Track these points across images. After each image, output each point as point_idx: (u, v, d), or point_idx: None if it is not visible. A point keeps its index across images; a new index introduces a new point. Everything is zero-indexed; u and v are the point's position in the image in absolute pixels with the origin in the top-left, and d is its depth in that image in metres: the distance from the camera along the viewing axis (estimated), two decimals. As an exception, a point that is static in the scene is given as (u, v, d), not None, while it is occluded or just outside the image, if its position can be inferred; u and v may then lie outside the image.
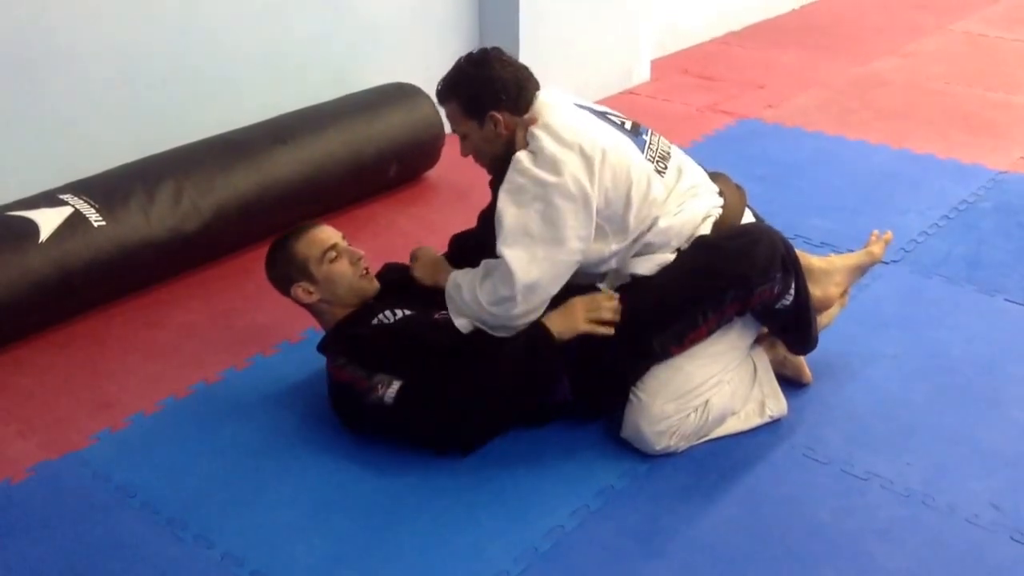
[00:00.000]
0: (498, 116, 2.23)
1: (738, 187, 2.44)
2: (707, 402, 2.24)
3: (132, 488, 2.22)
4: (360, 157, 3.48)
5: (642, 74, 4.86)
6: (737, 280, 2.16)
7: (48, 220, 2.75)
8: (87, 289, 2.84)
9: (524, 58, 4.13)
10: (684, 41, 5.44)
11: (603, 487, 2.20)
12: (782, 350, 2.47)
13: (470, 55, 2.33)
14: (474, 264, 2.29)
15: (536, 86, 2.30)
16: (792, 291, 2.24)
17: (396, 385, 2.20)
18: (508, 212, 2.16)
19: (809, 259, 2.47)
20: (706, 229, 2.27)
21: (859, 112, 4.47)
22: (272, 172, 3.23)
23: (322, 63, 3.75)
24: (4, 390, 2.58)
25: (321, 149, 3.37)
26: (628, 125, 2.30)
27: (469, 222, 3.41)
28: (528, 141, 2.18)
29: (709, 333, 2.22)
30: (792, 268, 2.22)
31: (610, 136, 2.21)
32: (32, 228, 2.72)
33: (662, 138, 2.35)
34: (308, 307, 2.42)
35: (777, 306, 2.24)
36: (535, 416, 2.33)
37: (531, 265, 2.13)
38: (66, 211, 2.79)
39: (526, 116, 2.23)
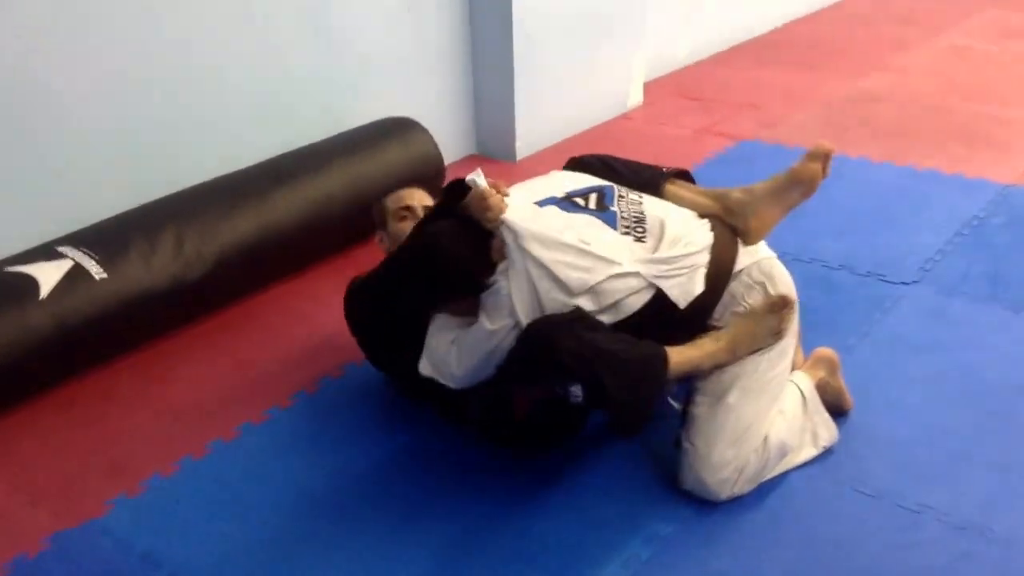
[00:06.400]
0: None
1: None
2: (766, 438, 2.17)
3: (156, 556, 2.10)
4: (361, 195, 3.37)
5: (635, 98, 4.82)
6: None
7: (48, 275, 2.64)
8: (90, 345, 2.73)
9: (519, 88, 4.12)
10: (672, 63, 5.41)
11: (650, 533, 2.12)
12: (823, 373, 2.40)
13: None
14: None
15: None
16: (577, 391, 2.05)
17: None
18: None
19: (729, 195, 2.31)
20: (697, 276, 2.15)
21: (857, 129, 4.44)
22: (273, 214, 3.13)
23: (317, 100, 3.66)
24: (9, 456, 2.46)
25: (322, 189, 3.28)
26: (593, 201, 2.22)
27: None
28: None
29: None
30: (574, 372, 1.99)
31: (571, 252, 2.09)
32: (31, 285, 2.61)
33: (631, 197, 2.26)
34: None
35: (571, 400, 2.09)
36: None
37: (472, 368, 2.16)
38: (66, 265, 2.68)
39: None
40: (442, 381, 2.20)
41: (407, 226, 2.45)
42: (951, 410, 2.49)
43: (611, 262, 2.09)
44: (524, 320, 2.06)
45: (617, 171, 2.38)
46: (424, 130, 3.69)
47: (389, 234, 2.56)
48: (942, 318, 2.91)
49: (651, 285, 2.09)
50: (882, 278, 3.11)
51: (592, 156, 2.48)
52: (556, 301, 2.07)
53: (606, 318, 2.08)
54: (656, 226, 2.18)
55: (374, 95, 3.84)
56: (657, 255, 2.12)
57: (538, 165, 4.20)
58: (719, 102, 4.90)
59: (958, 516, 2.14)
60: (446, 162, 3.80)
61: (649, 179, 2.37)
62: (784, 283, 2.24)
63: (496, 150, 4.28)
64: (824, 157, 2.21)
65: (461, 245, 2.09)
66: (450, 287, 2.14)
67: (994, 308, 2.94)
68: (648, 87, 4.98)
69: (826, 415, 2.34)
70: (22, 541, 2.16)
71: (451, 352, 2.15)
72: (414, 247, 2.20)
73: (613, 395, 1.93)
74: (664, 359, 2.04)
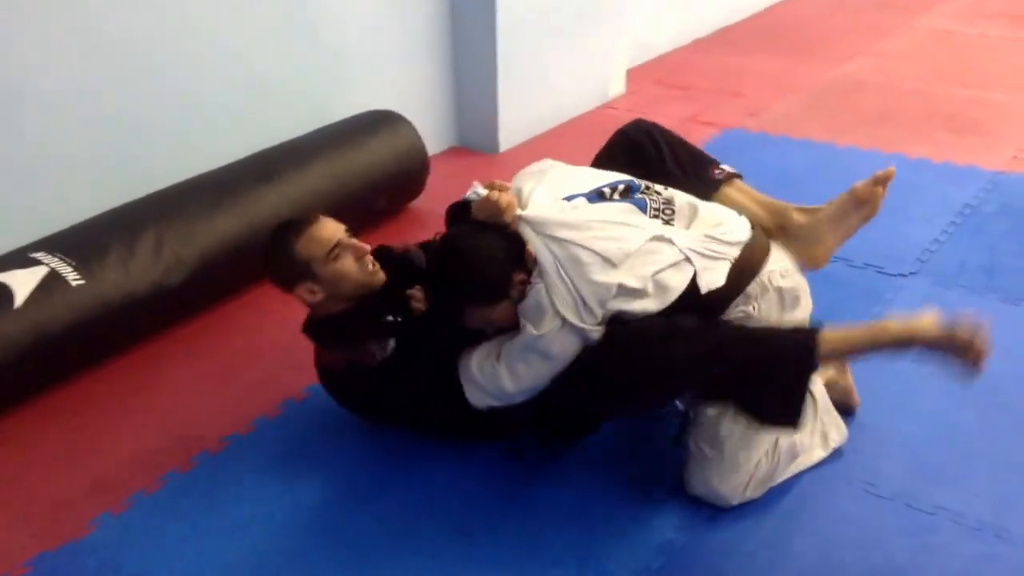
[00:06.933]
0: (524, 276, 2.02)
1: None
2: (776, 440, 2.11)
3: (145, 579, 2.01)
4: (346, 191, 3.29)
5: (617, 87, 4.74)
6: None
7: (22, 283, 2.52)
8: (69, 354, 2.62)
9: (502, 78, 4.03)
10: (652, 51, 5.33)
11: (662, 542, 2.05)
12: (832, 371, 2.35)
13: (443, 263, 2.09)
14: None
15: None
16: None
17: (391, 343, 2.16)
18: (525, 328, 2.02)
19: (791, 215, 2.30)
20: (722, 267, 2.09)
21: (842, 117, 4.40)
22: (257, 213, 3.02)
23: (298, 94, 3.55)
24: (-13, 474, 2.35)
25: (306, 186, 3.17)
26: (621, 189, 2.16)
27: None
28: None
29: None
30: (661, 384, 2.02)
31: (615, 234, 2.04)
32: (6, 293, 2.49)
33: (656, 187, 2.20)
34: (309, 305, 2.28)
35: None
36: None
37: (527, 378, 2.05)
38: (41, 271, 2.56)
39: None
40: (495, 403, 2.08)
41: (348, 263, 2.19)
42: (957, 407, 2.44)
43: (644, 228, 2.04)
44: (571, 317, 1.95)
45: (663, 159, 2.31)
46: (408, 123, 3.59)
47: (322, 280, 2.18)
48: (942, 311, 2.85)
49: (687, 259, 2.03)
50: (879, 270, 3.06)
51: (641, 131, 2.39)
52: (595, 284, 1.96)
53: (653, 304, 2.00)
54: (686, 208, 2.14)
55: (352, 86, 3.73)
56: (690, 231, 2.09)
57: (521, 157, 4.11)
58: (702, 90, 4.83)
59: (973, 517, 2.09)
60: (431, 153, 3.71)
61: (700, 180, 2.31)
62: (803, 290, 2.18)
63: (478, 142, 4.19)
64: (886, 180, 2.23)
65: (492, 248, 2.01)
66: (489, 293, 2.01)
67: (992, 300, 2.91)
68: (629, 75, 4.89)
69: (836, 415, 2.28)
70: (2, 563, 2.05)
71: (499, 369, 2.03)
72: (447, 262, 2.06)
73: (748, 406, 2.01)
74: (804, 353, 1.96)
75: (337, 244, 2.19)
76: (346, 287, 2.22)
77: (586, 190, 2.15)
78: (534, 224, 2.03)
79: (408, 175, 3.53)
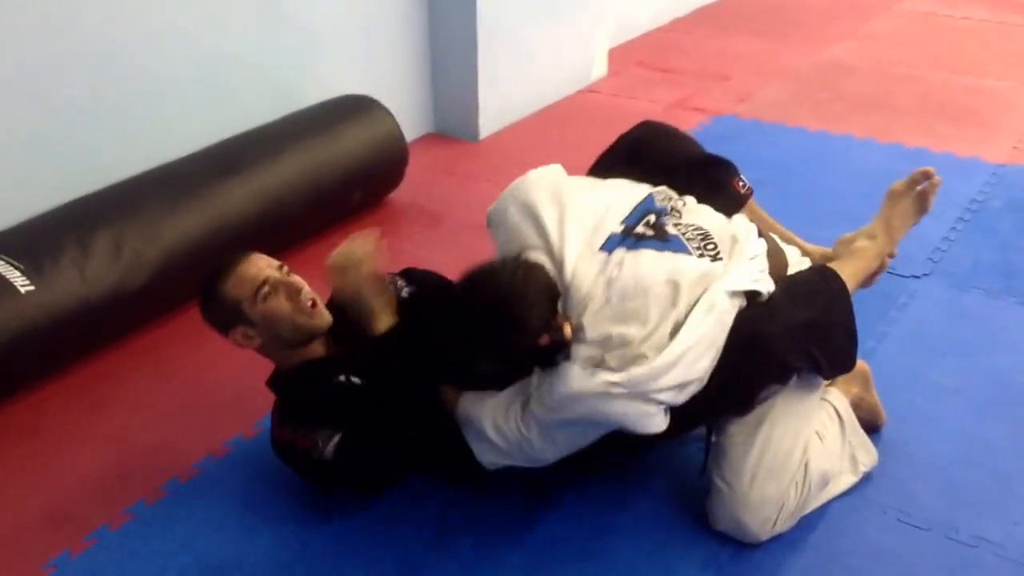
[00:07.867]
0: (547, 338, 1.79)
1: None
2: (806, 466, 1.94)
3: (111, 632, 1.79)
4: (321, 184, 3.06)
5: (599, 70, 4.53)
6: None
7: (-36, 290, 2.27)
8: (17, 369, 2.37)
9: (482, 61, 3.80)
10: (632, 31, 5.13)
11: (686, 583, 1.88)
12: (857, 389, 2.19)
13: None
14: None
15: None
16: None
17: (336, 438, 1.94)
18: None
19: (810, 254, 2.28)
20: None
21: (834, 103, 4.24)
22: (224, 209, 2.79)
23: (263, 77, 3.29)
24: (-73, 507, 2.11)
25: (277, 178, 2.94)
26: (651, 227, 1.91)
27: (444, 249, 3.05)
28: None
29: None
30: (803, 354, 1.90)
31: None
32: (-55, 302, 2.24)
33: (675, 206, 2.01)
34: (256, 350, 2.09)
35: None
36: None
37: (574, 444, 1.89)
38: (-15, 277, 2.32)
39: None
40: (519, 465, 1.91)
41: (279, 302, 1.98)
42: (986, 422, 2.30)
43: (723, 325, 1.81)
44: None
45: (674, 170, 2.12)
46: (385, 109, 3.36)
47: (257, 322, 1.99)
48: (960, 316, 2.72)
49: (751, 291, 1.88)
50: (891, 271, 2.87)
51: (649, 134, 2.24)
52: (673, 391, 1.78)
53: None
54: (727, 241, 1.94)
55: (322, 69, 3.48)
56: (736, 265, 1.90)
57: (502, 144, 3.92)
58: (687, 73, 4.64)
59: (1015, 549, 1.95)
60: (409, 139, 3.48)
61: (722, 194, 2.13)
62: None
63: (457, 128, 3.96)
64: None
65: (537, 295, 1.76)
66: (526, 363, 1.81)
67: (1011, 303, 2.77)
68: (609, 56, 4.68)
69: (864, 437, 2.12)
70: (-53, 618, 1.83)
71: (530, 436, 1.83)
72: (489, 307, 1.76)
73: (827, 366, 1.94)
74: (846, 294, 2.01)
75: (265, 282, 1.98)
76: (282, 329, 2.01)
77: (616, 225, 1.91)
78: (629, 386, 1.72)
79: (386, 165, 3.31)
